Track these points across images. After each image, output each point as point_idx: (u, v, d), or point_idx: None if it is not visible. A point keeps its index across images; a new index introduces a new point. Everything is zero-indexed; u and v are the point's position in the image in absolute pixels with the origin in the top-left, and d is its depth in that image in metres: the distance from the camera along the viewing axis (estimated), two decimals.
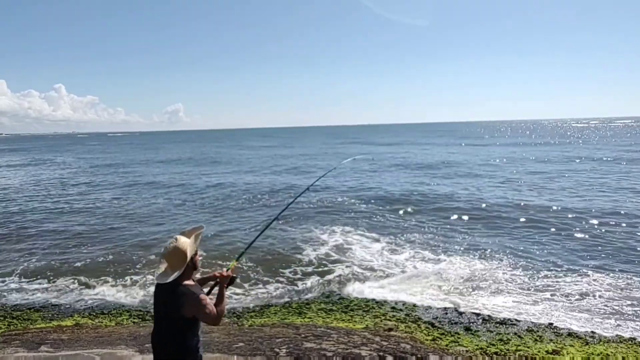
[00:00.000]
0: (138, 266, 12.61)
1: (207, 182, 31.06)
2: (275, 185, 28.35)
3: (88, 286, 11.19)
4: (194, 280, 3.13)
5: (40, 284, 11.42)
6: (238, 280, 11.12)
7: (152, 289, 10.45)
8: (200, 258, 3.22)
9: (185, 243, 2.99)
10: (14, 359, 5.67)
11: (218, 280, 3.25)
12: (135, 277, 11.68)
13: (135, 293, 10.68)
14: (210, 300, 3.03)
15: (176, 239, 3.02)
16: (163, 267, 2.97)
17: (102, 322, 8.60)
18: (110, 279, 11.62)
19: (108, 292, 10.86)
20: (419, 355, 5.96)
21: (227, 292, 3.41)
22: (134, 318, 8.91)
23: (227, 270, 3.30)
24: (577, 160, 38.44)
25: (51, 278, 11.78)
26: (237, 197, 24.51)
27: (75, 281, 11.50)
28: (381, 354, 5.85)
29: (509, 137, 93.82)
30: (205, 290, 3.23)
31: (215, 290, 3.31)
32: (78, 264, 12.94)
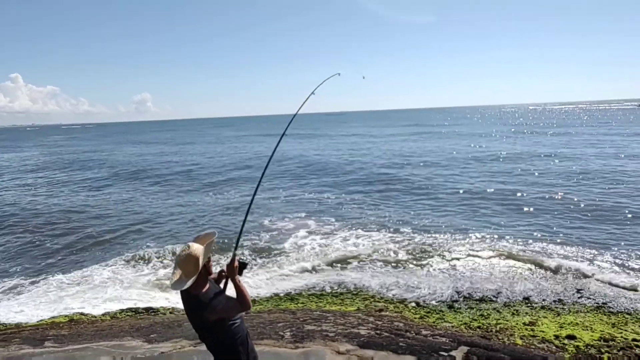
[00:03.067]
0: (120, 263, 12.55)
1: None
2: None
3: (72, 283, 11.10)
4: (210, 282, 3.18)
5: (17, 281, 11.22)
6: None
7: (135, 285, 10.40)
8: (213, 264, 3.24)
9: (198, 250, 3.00)
10: (22, 354, 5.72)
11: (227, 276, 3.26)
12: (119, 273, 11.66)
13: (120, 289, 10.69)
14: (226, 297, 3.10)
15: (188, 247, 3.01)
16: (178, 274, 2.99)
17: (95, 317, 8.64)
18: (94, 275, 11.54)
19: (95, 288, 10.82)
20: (412, 331, 6.43)
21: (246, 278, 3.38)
22: (127, 312, 8.98)
23: (230, 262, 3.21)
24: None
25: (31, 276, 11.61)
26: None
27: (57, 278, 11.37)
28: (378, 332, 6.28)
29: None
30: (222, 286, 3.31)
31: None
32: (57, 261, 12.78)
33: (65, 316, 8.73)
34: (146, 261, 12.41)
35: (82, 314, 8.90)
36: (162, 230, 15.82)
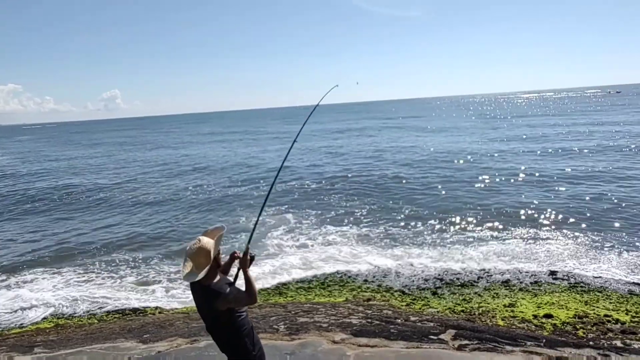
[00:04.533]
0: (92, 265, 12.34)
1: None
2: None
3: (44, 288, 10.85)
4: (220, 274, 3.32)
5: None
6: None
7: (107, 287, 10.21)
8: (222, 256, 3.39)
9: (209, 243, 3.13)
10: None
11: (238, 267, 3.38)
12: (98, 276, 11.49)
13: (98, 291, 10.54)
14: (237, 289, 3.22)
15: (199, 240, 3.13)
16: (189, 267, 3.10)
17: (81, 321, 8.52)
18: (68, 279, 11.32)
19: (70, 291, 10.63)
20: (401, 318, 6.68)
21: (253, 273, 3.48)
22: (114, 314, 8.90)
23: (244, 254, 3.34)
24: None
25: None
26: None
27: (30, 283, 11.09)
28: (369, 320, 6.49)
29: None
30: (231, 278, 3.45)
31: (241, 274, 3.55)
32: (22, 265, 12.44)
33: (50, 321, 8.57)
34: (121, 265, 12.22)
35: (67, 318, 8.76)
36: (137, 235, 15.58)
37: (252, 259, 3.35)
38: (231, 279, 3.38)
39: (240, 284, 3.29)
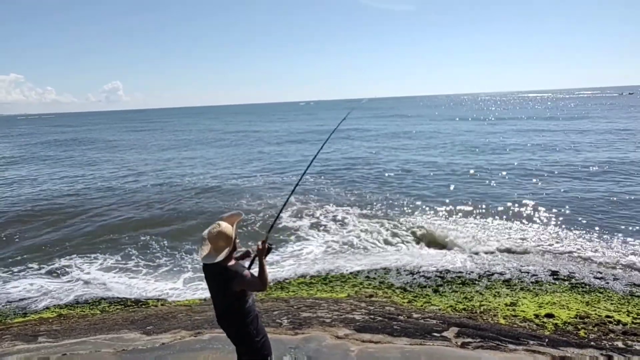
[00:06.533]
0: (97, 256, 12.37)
1: None
2: None
3: (50, 277, 10.89)
4: (233, 259, 3.49)
5: None
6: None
7: (111, 278, 10.27)
8: (238, 241, 3.54)
9: (228, 228, 3.33)
10: (17, 351, 5.65)
11: (256, 254, 3.55)
12: (95, 267, 11.52)
13: (103, 281, 10.58)
14: (252, 273, 3.42)
15: (219, 225, 3.33)
16: (206, 249, 3.29)
17: (84, 311, 8.54)
18: (71, 270, 11.35)
19: (71, 282, 10.66)
20: (404, 315, 6.71)
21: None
22: (115, 305, 8.92)
23: (262, 243, 3.51)
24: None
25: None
26: None
27: (35, 274, 11.12)
28: (372, 316, 6.52)
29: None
30: (246, 264, 3.62)
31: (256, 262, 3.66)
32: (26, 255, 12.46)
33: (53, 311, 8.59)
34: (118, 254, 12.26)
35: (69, 308, 8.78)
36: (131, 223, 15.61)
37: (269, 250, 3.53)
38: (246, 264, 3.57)
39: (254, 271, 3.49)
